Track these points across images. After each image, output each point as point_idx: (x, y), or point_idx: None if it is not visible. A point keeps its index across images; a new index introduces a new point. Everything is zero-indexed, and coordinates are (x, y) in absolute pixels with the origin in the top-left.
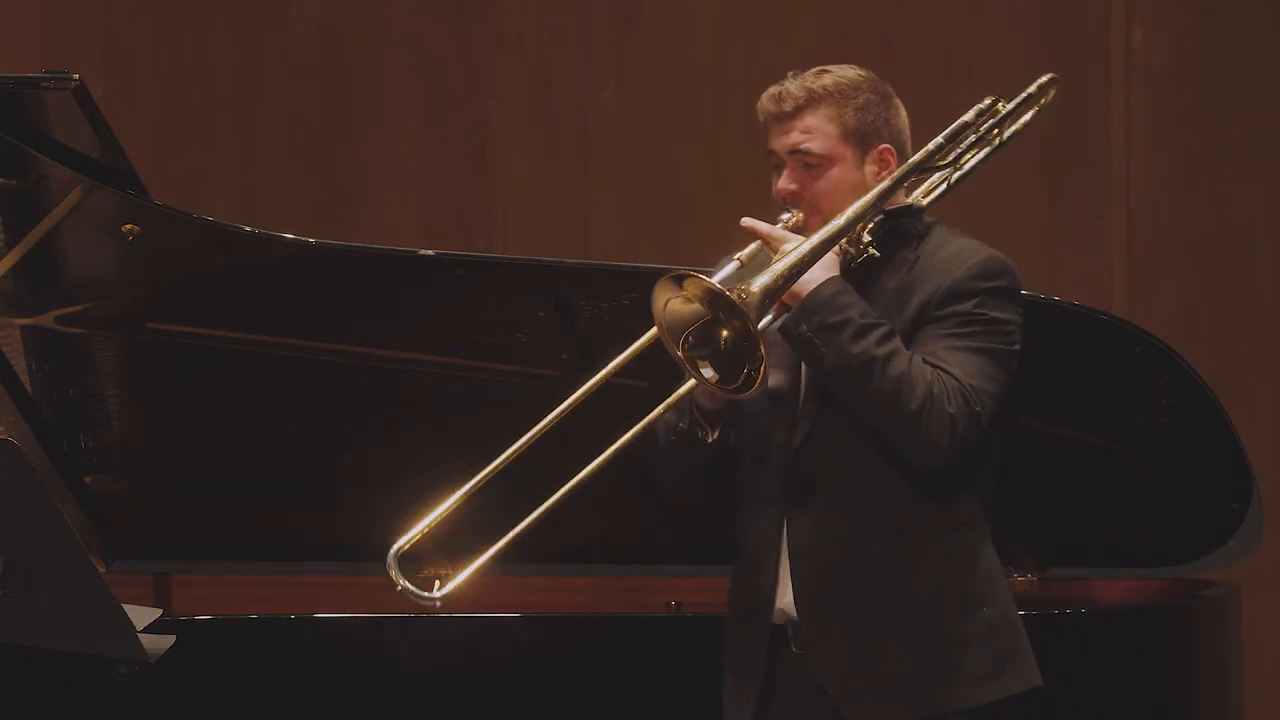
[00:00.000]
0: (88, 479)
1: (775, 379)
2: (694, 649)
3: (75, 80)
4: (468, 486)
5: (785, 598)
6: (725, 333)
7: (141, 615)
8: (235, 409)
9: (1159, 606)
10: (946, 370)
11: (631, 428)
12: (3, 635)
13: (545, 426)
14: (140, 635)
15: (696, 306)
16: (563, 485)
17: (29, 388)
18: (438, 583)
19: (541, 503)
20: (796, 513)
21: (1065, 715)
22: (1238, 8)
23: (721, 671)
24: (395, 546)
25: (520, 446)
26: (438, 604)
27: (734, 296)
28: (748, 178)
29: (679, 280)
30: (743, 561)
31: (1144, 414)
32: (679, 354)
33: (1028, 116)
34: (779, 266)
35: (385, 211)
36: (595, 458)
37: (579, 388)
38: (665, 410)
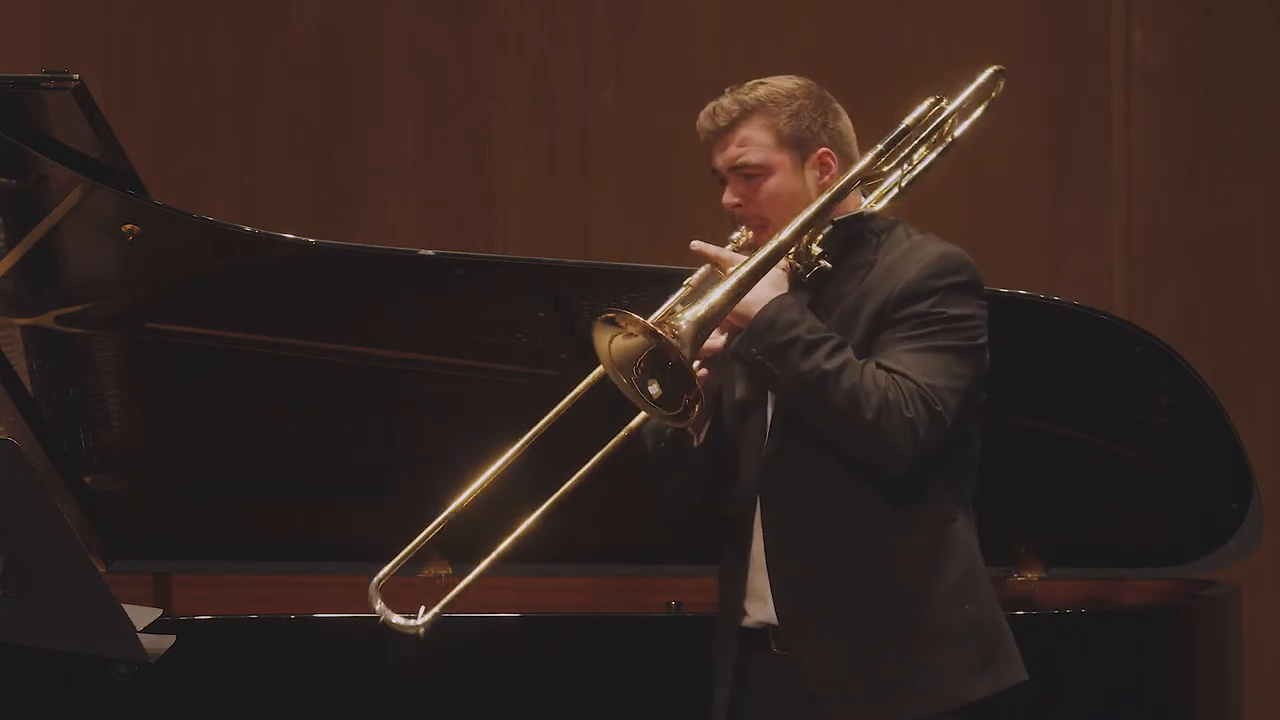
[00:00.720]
0: (88, 479)
1: (742, 390)
2: (694, 649)
3: (75, 80)
4: (446, 513)
5: (759, 603)
6: (669, 363)
7: (141, 615)
8: (235, 409)
9: (1159, 606)
10: (903, 374)
11: (615, 432)
12: (3, 635)
13: (515, 454)
14: (140, 635)
15: (639, 339)
16: (543, 502)
17: (29, 388)
18: (422, 609)
19: (537, 500)
20: (771, 520)
21: (1065, 715)
22: (1238, 8)
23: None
24: (376, 578)
25: (492, 474)
26: (420, 631)
27: (666, 334)
28: None
29: (612, 321)
30: (722, 568)
31: (1144, 414)
32: (630, 386)
33: (978, 112)
34: (714, 295)
35: (385, 211)
36: (584, 462)
37: (573, 391)
38: (624, 437)
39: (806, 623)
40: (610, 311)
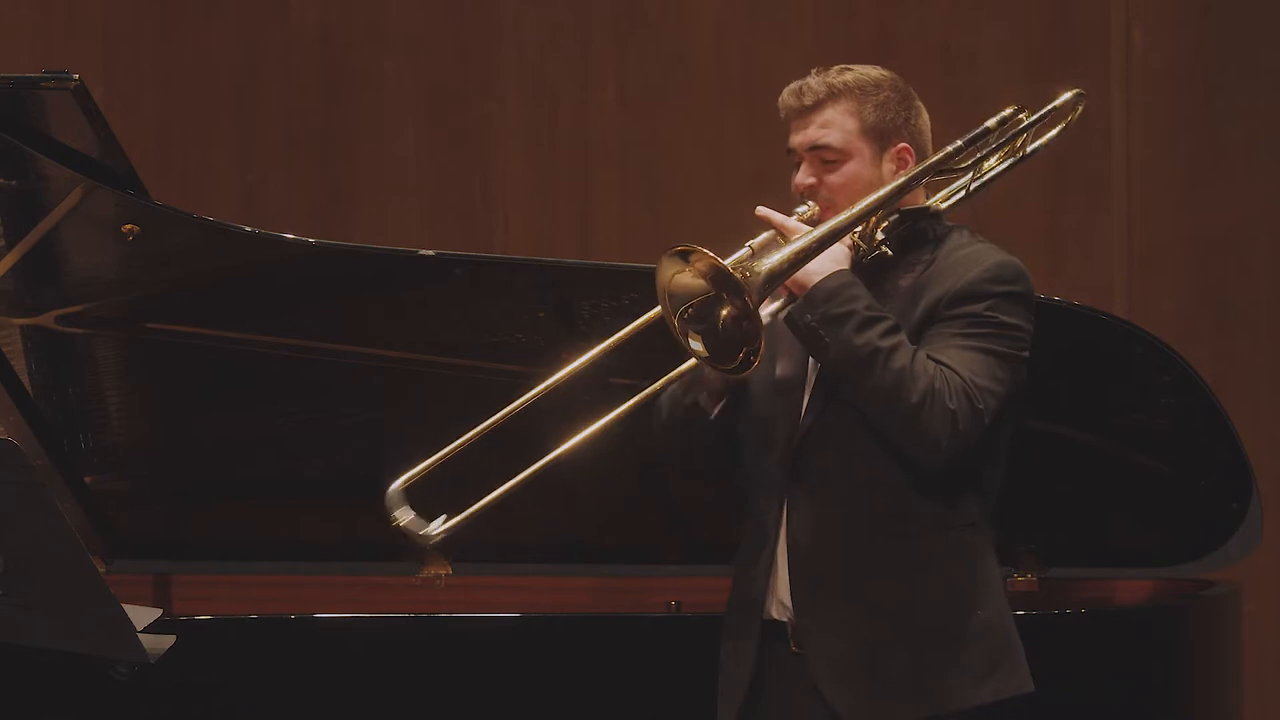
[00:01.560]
0: (88, 479)
1: (783, 368)
2: (694, 649)
3: (75, 80)
4: (473, 432)
5: (782, 592)
6: (725, 311)
7: (141, 615)
8: (235, 409)
9: (1159, 606)
10: (951, 367)
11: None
12: (3, 635)
13: (559, 380)
14: (140, 635)
15: (700, 282)
16: (564, 443)
17: (29, 388)
18: (442, 518)
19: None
20: (797, 503)
21: (1066, 715)
22: (1238, 8)
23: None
24: (397, 483)
25: (534, 395)
26: (433, 541)
27: (738, 275)
28: (747, 177)
29: (685, 255)
30: (743, 551)
31: (1144, 414)
32: (674, 323)
33: (1054, 132)
34: (786, 251)
35: (385, 211)
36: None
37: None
38: (668, 384)
39: (820, 616)
40: (683, 245)
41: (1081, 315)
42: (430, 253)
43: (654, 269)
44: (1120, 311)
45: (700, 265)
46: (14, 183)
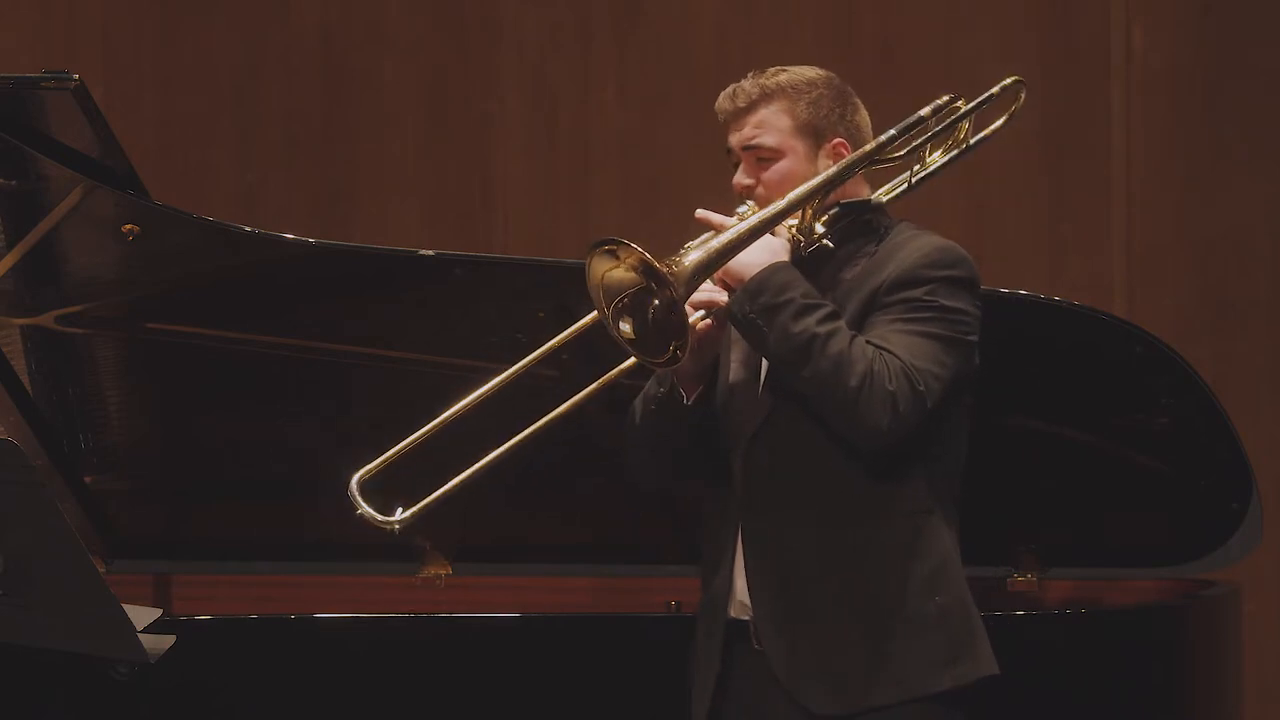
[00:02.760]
0: (88, 479)
1: (736, 373)
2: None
3: (75, 80)
4: (434, 423)
5: (741, 591)
6: (656, 303)
7: (141, 615)
8: (235, 409)
9: (1159, 606)
10: (890, 350)
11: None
12: (3, 635)
13: (515, 373)
14: (140, 635)
15: (631, 275)
16: (529, 426)
17: (29, 388)
18: (400, 509)
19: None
20: (750, 500)
21: (1065, 715)
22: (1238, 8)
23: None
24: (357, 475)
25: (492, 388)
26: (395, 528)
27: (663, 268)
28: None
29: (614, 251)
30: (705, 551)
31: (1144, 414)
32: (607, 316)
33: (998, 123)
34: (714, 243)
35: (385, 211)
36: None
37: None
38: (618, 376)
39: (777, 610)
40: (610, 242)
41: (1081, 315)
42: (430, 253)
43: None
44: (1120, 311)
45: (629, 259)
46: (14, 183)
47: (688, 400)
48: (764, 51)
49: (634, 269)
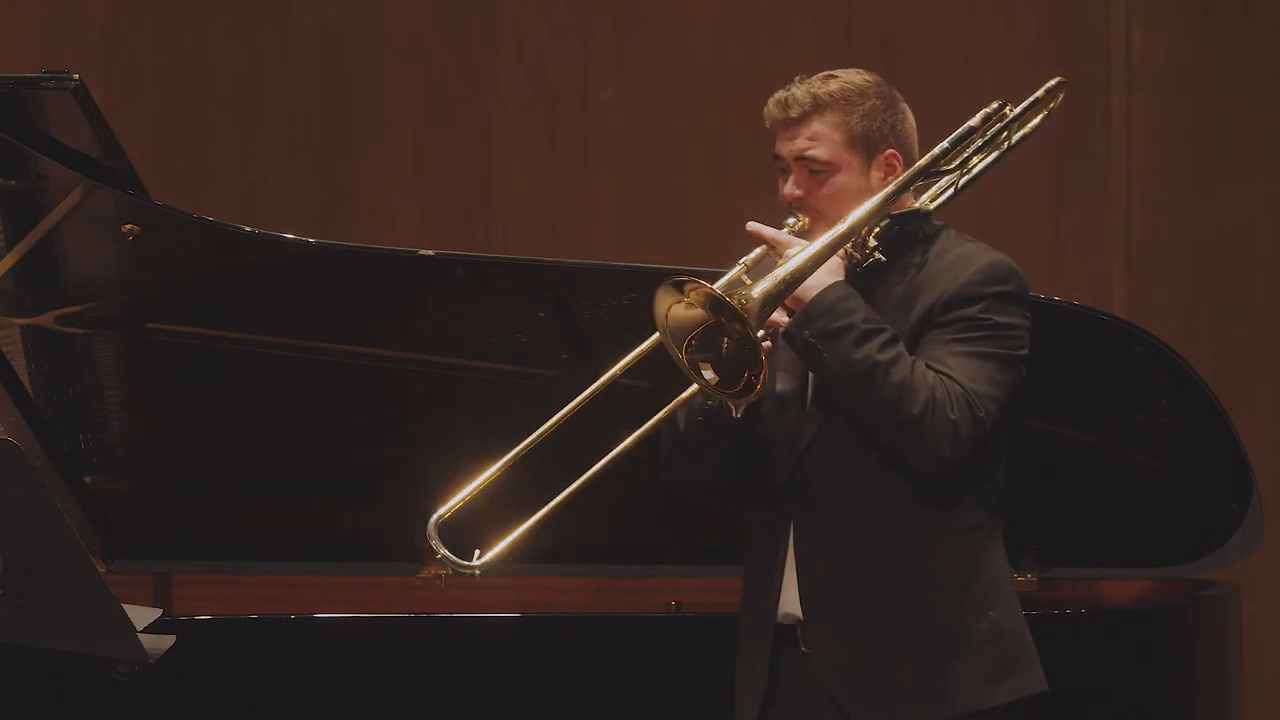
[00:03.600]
0: (88, 479)
1: (784, 383)
2: (694, 649)
3: (75, 80)
4: (506, 459)
5: (791, 599)
6: (727, 338)
7: (141, 615)
8: (235, 409)
9: (1159, 606)
10: (950, 376)
11: (636, 427)
12: (3, 635)
13: (576, 407)
14: (140, 635)
15: (699, 312)
16: (588, 470)
17: (29, 388)
18: (477, 552)
19: (546, 498)
20: (802, 515)
21: (1066, 715)
22: (1238, 8)
23: (732, 672)
24: (435, 515)
25: (551, 426)
26: (477, 572)
27: (734, 303)
28: (747, 177)
29: (680, 286)
30: (751, 564)
31: (1144, 414)
32: (682, 359)
33: (1036, 120)
34: (780, 272)
35: (385, 211)
36: (604, 455)
37: (582, 388)
38: (674, 409)
39: (831, 622)
40: (680, 276)
41: (1081, 315)
42: (430, 253)
43: (654, 269)
44: (1120, 311)
45: (696, 295)
46: (14, 183)
47: (736, 414)
48: (764, 51)
49: (702, 304)
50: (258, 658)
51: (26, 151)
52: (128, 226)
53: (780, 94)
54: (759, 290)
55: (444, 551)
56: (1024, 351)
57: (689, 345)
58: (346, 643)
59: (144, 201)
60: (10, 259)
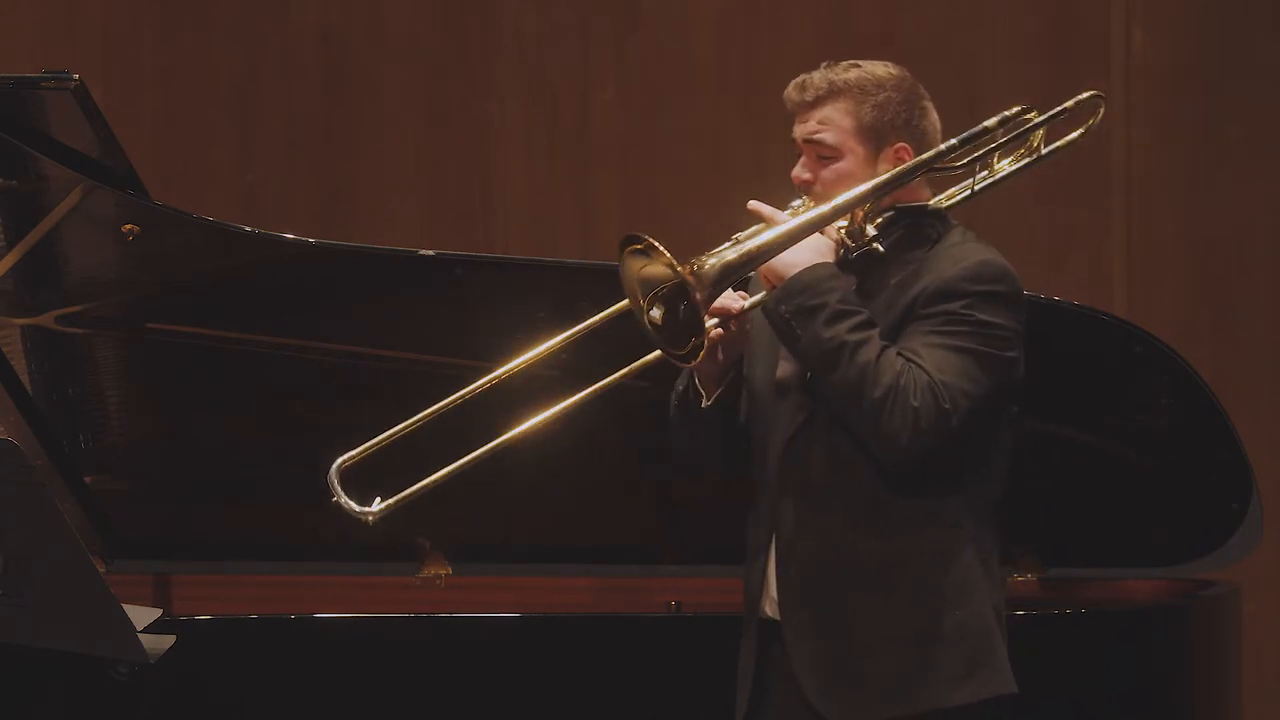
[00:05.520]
0: (88, 479)
1: (783, 369)
2: (694, 649)
3: (75, 80)
4: (418, 417)
5: (774, 591)
6: (684, 302)
7: (141, 615)
8: (236, 409)
9: (1159, 606)
10: (919, 364)
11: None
12: (3, 635)
13: (516, 367)
14: (140, 635)
15: (666, 271)
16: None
17: (29, 388)
18: (378, 499)
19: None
20: (785, 503)
21: (1066, 715)
22: (1238, 8)
23: (732, 672)
24: (338, 461)
25: (486, 382)
26: (370, 519)
27: (683, 269)
28: (748, 177)
29: (644, 251)
30: (747, 551)
31: (1144, 414)
32: (641, 304)
33: (1074, 134)
34: (749, 245)
35: (385, 211)
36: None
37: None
38: (627, 375)
39: (802, 616)
40: (642, 242)
41: (1081, 315)
42: (430, 253)
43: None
44: (1120, 311)
45: (658, 259)
46: (14, 183)
47: (706, 401)
48: (764, 51)
49: (666, 266)
50: (257, 658)
51: (26, 151)
52: (128, 226)
53: (801, 77)
54: (719, 258)
55: (341, 497)
56: (1011, 354)
57: (651, 296)
58: (346, 643)
59: (144, 201)
60: (10, 259)
